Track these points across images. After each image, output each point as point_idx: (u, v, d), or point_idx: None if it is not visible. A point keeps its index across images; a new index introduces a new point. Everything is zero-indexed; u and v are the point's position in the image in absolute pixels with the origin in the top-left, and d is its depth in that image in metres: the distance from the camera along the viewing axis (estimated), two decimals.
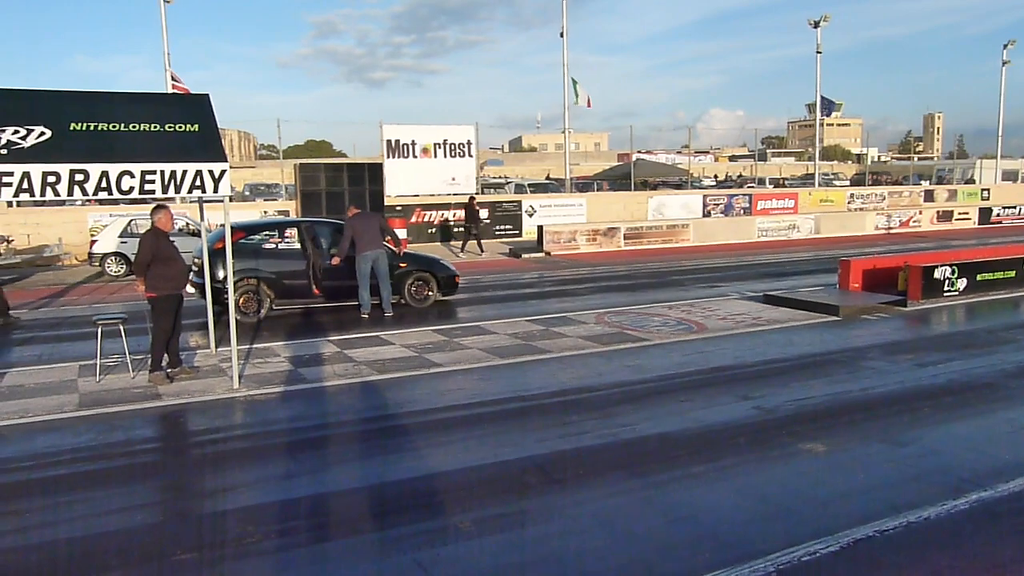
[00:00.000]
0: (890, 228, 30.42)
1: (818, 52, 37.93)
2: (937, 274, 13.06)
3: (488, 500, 5.31)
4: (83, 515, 5.23)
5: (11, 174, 6.96)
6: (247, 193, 35.79)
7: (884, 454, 6.15)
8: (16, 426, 7.04)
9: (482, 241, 23.33)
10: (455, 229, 26.20)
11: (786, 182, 50.50)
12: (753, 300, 13.48)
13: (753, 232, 27.52)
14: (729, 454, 6.15)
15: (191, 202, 21.82)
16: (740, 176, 59.24)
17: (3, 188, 6.96)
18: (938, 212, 32.92)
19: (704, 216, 30.88)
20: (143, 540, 4.83)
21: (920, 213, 32.42)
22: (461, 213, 25.90)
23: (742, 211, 32.33)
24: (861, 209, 34.64)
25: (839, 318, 11.69)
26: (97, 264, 19.20)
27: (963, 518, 4.94)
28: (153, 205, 8.97)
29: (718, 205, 32.15)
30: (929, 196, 38.66)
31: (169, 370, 8.55)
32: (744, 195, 33.74)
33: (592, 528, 4.87)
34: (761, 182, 46.99)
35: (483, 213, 27.01)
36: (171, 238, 8.65)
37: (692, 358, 9.40)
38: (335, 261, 12.46)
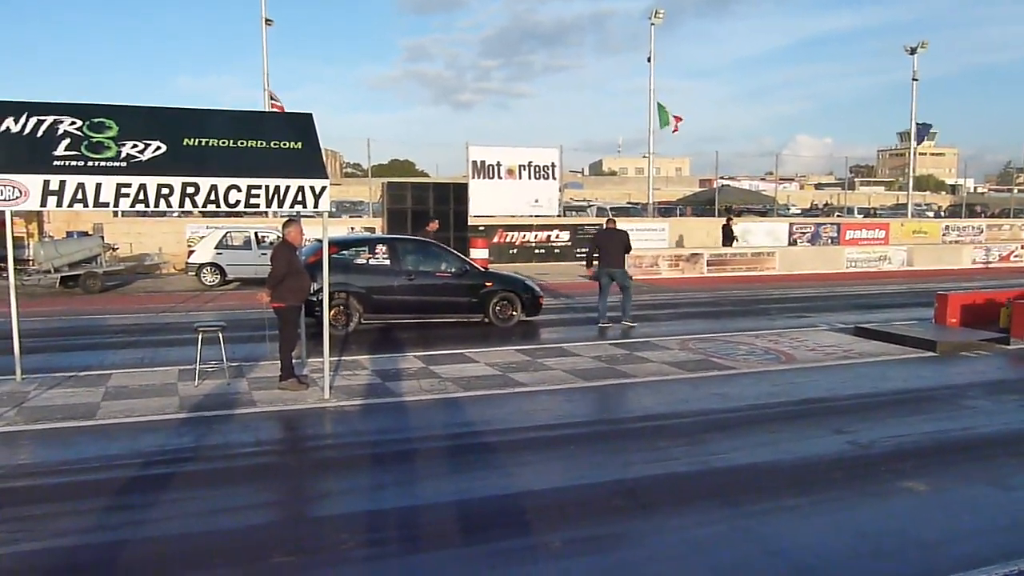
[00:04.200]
0: (988, 262, 29.14)
1: (914, 79, 36.85)
2: None
3: (577, 521, 5.29)
4: (184, 513, 5.43)
5: (130, 185, 7.36)
6: (333, 209, 36.80)
7: (991, 497, 5.88)
8: (122, 425, 7.37)
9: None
10: (535, 250, 26.37)
11: (876, 212, 49.00)
12: (843, 332, 13.09)
13: (842, 262, 26.77)
14: (824, 488, 5.98)
15: (282, 217, 22.56)
16: (827, 205, 57.70)
17: (122, 199, 7.36)
18: None
19: (790, 244, 30.22)
20: (242, 541, 4.99)
21: (1022, 247, 30.95)
22: (543, 235, 26.08)
23: (830, 240, 31.54)
24: (957, 242, 33.32)
25: (936, 354, 11.24)
26: (193, 274, 20.01)
27: None
28: (284, 219, 9.35)
29: (805, 234, 31.44)
30: None
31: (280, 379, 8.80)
32: (832, 224, 32.93)
33: (684, 555, 4.80)
34: (849, 211, 45.71)
35: (565, 236, 27.14)
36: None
37: (781, 388, 9.18)
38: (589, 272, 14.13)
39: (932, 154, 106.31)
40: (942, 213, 51.88)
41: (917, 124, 38.35)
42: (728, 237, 26.55)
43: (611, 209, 36.95)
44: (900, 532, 5.21)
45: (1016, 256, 30.15)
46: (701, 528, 5.20)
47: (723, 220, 27.91)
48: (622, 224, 26.40)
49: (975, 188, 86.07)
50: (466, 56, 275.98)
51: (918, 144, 40.31)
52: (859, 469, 6.41)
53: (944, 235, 34.51)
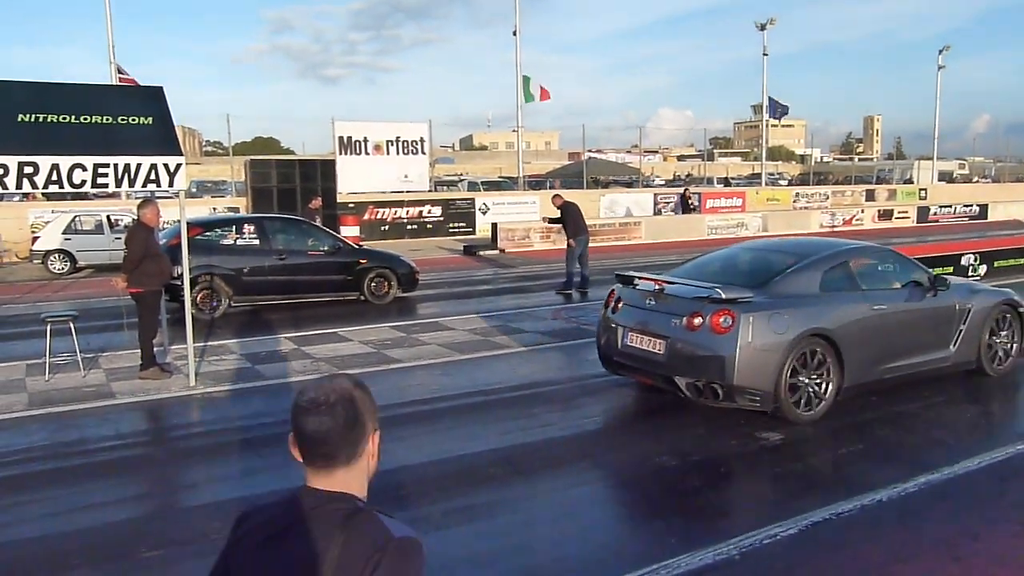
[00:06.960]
0: (834, 226, 31.21)
1: (764, 55, 38.72)
2: None
3: (455, 492, 5.35)
4: (41, 514, 5.12)
5: None
6: (194, 190, 35.23)
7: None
8: None
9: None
10: (408, 226, 26.21)
11: (733, 181, 51.42)
12: None
13: (703, 230, 27.96)
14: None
15: (136, 197, 21.37)
16: (688, 175, 60.14)
17: None
18: (879, 211, 33.86)
19: (655, 214, 31.28)
20: (105, 538, 4.76)
21: (862, 212, 33.30)
22: (414, 211, 25.92)
23: (692, 209, 32.80)
24: (806, 208, 35.43)
25: None
26: (39, 261, 18.65)
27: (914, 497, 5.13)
28: (140, 200, 8.83)
29: (668, 203, 32.59)
30: (870, 196, 39.71)
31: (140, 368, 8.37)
32: (694, 193, 34.25)
33: (559, 518, 4.95)
34: (709, 181, 47.77)
35: (437, 211, 27.03)
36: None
37: None
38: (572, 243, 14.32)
39: (783, 126, 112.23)
40: (793, 181, 55.11)
41: (771, 99, 40.28)
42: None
43: (483, 183, 37.13)
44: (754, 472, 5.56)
45: (857, 220, 32.41)
46: (571, 490, 5.37)
47: (599, 191, 28.63)
48: (493, 197, 26.55)
49: (821, 157, 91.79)
50: (332, 29, 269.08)
51: (772, 118, 42.32)
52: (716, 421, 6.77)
53: (795, 202, 36.59)
